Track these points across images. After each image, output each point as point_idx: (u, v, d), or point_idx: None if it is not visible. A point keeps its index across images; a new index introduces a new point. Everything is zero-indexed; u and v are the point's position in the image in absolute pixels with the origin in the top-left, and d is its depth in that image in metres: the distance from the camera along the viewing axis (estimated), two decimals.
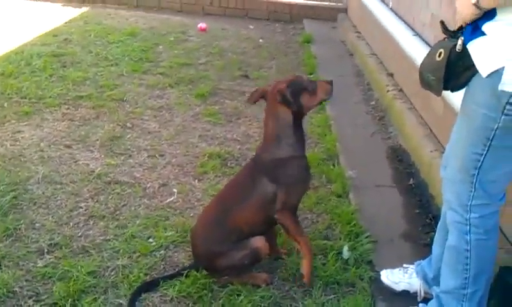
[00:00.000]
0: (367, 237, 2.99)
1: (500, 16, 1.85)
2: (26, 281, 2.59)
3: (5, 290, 2.50)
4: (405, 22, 5.03)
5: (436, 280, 2.43)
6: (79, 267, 2.65)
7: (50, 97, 4.72)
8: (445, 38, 2.12)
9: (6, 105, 4.54)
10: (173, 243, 2.91)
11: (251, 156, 3.92)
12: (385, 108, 4.88)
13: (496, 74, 1.85)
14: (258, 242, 2.56)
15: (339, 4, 8.93)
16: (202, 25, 7.58)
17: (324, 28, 8.14)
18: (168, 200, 3.33)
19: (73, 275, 2.60)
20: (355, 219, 3.15)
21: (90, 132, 4.14)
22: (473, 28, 1.96)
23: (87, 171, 3.58)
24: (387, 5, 5.85)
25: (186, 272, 2.61)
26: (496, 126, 1.92)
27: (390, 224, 3.20)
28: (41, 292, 2.52)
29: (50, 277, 2.61)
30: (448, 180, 2.22)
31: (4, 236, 2.88)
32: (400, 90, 4.83)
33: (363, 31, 7.00)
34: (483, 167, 2.02)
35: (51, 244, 2.86)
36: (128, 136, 4.14)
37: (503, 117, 1.89)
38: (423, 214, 3.31)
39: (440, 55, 2.05)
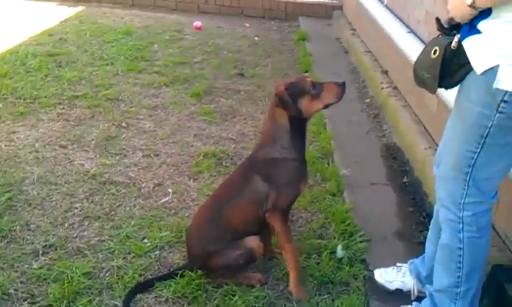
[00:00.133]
0: (360, 236, 3.00)
1: (495, 14, 1.86)
2: (21, 282, 2.59)
3: (0, 292, 2.50)
4: (400, 19, 5.05)
5: (429, 278, 2.44)
6: (74, 268, 2.66)
7: (45, 97, 4.72)
8: (439, 35, 2.12)
9: (1, 105, 4.53)
10: (168, 243, 2.92)
11: (246, 155, 3.93)
12: (380, 105, 4.89)
13: (491, 72, 1.86)
14: (253, 242, 2.56)
15: (334, 1, 8.93)
16: (197, 23, 7.58)
17: (320, 25, 8.14)
18: (163, 200, 3.34)
19: (68, 276, 2.60)
20: (349, 217, 3.16)
21: (85, 132, 4.14)
22: (469, 26, 1.96)
23: (82, 172, 3.58)
24: (382, 2, 5.86)
25: (181, 272, 2.62)
26: (490, 124, 1.93)
27: (383, 222, 3.21)
28: (36, 294, 2.53)
29: (45, 279, 2.61)
30: (441, 177, 2.23)
31: None
32: (395, 87, 4.84)
33: (358, 28, 7.01)
34: (477, 164, 2.03)
35: (46, 245, 2.86)
36: (123, 136, 4.14)
37: (497, 114, 1.90)
38: (417, 212, 3.32)
39: (435, 53, 2.06)
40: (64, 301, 2.45)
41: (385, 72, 5.27)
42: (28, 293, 2.53)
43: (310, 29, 7.80)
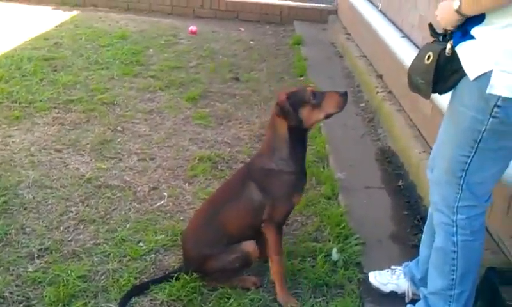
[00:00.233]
0: (355, 239, 3.01)
1: (489, 20, 1.88)
2: (16, 286, 2.59)
3: None
4: (394, 24, 5.07)
5: (423, 281, 2.46)
6: (69, 272, 2.66)
7: (40, 101, 4.72)
8: (433, 41, 2.14)
9: None
10: (163, 247, 2.93)
11: (241, 159, 3.97)
12: (375, 110, 4.91)
13: (485, 77, 1.88)
14: (249, 246, 2.57)
15: (329, 6, 8.96)
16: (193, 27, 7.59)
17: (315, 30, 8.16)
18: (158, 204, 3.34)
19: (63, 279, 2.61)
20: (344, 220, 3.18)
21: (81, 136, 4.14)
22: (462, 31, 1.98)
23: (77, 175, 3.58)
24: (376, 7, 5.88)
25: (176, 275, 2.62)
26: (483, 129, 1.95)
27: (378, 225, 3.23)
28: (31, 297, 2.53)
29: (40, 282, 2.62)
30: (435, 181, 2.25)
31: None
32: (390, 92, 4.87)
33: (353, 33, 7.04)
34: (470, 169, 2.04)
35: (41, 248, 2.86)
36: (118, 140, 4.15)
37: (491, 119, 1.92)
38: (411, 215, 3.34)
39: (428, 59, 2.07)
40: (60, 304, 2.46)
41: (380, 76, 5.30)
42: (23, 296, 2.53)
43: (305, 33, 7.83)
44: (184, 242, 2.74)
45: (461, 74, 1.98)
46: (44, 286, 2.59)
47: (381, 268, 2.73)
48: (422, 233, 2.59)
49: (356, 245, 2.97)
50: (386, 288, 2.65)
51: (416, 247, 2.65)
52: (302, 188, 2.68)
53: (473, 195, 2.10)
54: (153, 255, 2.86)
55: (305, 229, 3.15)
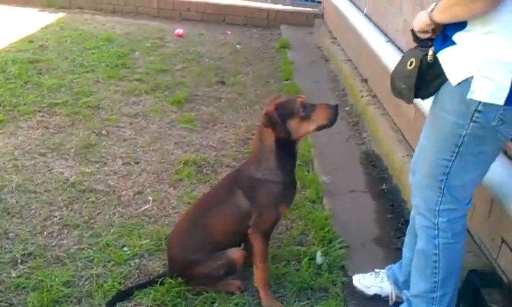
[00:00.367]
0: (340, 242, 3.03)
1: (470, 27, 1.90)
2: (0, 291, 2.58)
3: None
4: (379, 28, 5.11)
5: (406, 284, 2.48)
6: (53, 277, 2.65)
7: (24, 104, 4.68)
8: (415, 47, 2.16)
9: None
10: (147, 251, 2.92)
11: (227, 163, 3.98)
12: (359, 113, 4.95)
13: (466, 83, 1.90)
14: (235, 254, 2.56)
15: (315, 9, 9.00)
16: (179, 30, 7.58)
17: (301, 33, 8.20)
18: (143, 208, 3.34)
19: (47, 285, 2.60)
20: (329, 224, 3.19)
21: (65, 140, 4.12)
22: (444, 37, 2.01)
23: (61, 180, 3.56)
24: (362, 11, 5.92)
25: (161, 280, 2.62)
26: (464, 133, 1.97)
27: (362, 229, 3.25)
28: (15, 303, 2.51)
29: (24, 288, 2.60)
30: (416, 185, 2.27)
31: None
32: (374, 96, 4.90)
33: (339, 37, 7.08)
34: (451, 172, 2.07)
35: (25, 253, 2.84)
36: (103, 144, 4.13)
37: (471, 124, 1.94)
38: (395, 219, 3.37)
39: (411, 64, 2.09)
40: None
41: (365, 80, 5.34)
42: (7, 302, 2.51)
43: (292, 37, 7.86)
44: (168, 246, 2.73)
45: (443, 79, 2.00)
46: (28, 292, 2.57)
47: (365, 272, 2.75)
48: (405, 236, 2.61)
49: (340, 248, 2.98)
50: (370, 291, 2.68)
51: (400, 250, 2.68)
52: (290, 199, 2.64)
53: (454, 198, 2.12)
54: (137, 260, 2.85)
55: (290, 233, 3.16)
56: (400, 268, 2.60)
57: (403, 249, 2.58)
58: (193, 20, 8.67)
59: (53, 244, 2.94)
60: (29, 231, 3.03)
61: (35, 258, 2.81)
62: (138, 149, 4.09)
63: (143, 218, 3.23)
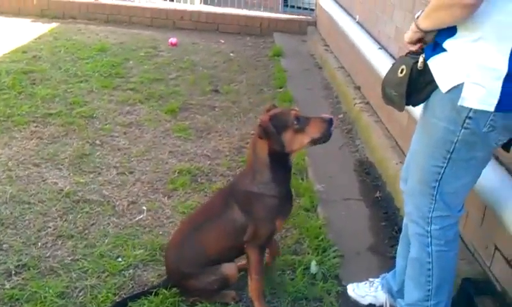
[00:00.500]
0: (334, 251, 3.04)
1: (460, 34, 1.91)
2: None
3: None
4: (371, 36, 5.13)
5: (400, 293, 2.49)
6: (47, 288, 2.64)
7: (18, 115, 4.68)
8: (406, 54, 2.17)
9: None
10: (142, 262, 2.91)
11: (221, 171, 3.97)
12: (353, 121, 4.96)
13: (456, 89, 1.91)
14: (229, 269, 2.55)
15: (308, 17, 9.04)
16: (173, 39, 7.60)
17: (294, 41, 8.23)
18: (137, 218, 3.33)
19: (41, 296, 2.59)
20: (323, 233, 3.20)
21: (59, 150, 4.12)
22: (434, 44, 2.02)
23: (55, 190, 3.56)
24: (354, 19, 5.95)
25: (155, 290, 2.62)
26: (456, 140, 1.98)
27: (357, 237, 3.26)
28: None
29: (17, 299, 2.59)
30: (408, 192, 2.28)
31: None
32: (367, 103, 4.92)
33: (332, 44, 7.11)
34: (443, 179, 2.08)
35: (19, 265, 2.83)
36: (97, 153, 4.13)
37: (463, 130, 1.95)
38: (389, 227, 3.38)
39: (401, 72, 2.10)
40: None
41: (358, 88, 5.36)
42: None
43: (285, 45, 7.88)
44: (165, 256, 2.73)
45: (434, 86, 2.01)
46: (21, 304, 2.56)
47: (360, 280, 2.76)
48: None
49: (334, 257, 2.99)
50: (365, 300, 2.68)
51: (394, 258, 2.68)
52: (286, 212, 2.62)
53: (446, 205, 2.13)
54: (132, 270, 2.85)
55: (284, 242, 3.16)
56: (394, 277, 2.61)
57: (396, 257, 2.58)
58: (187, 29, 8.69)
59: (47, 254, 2.94)
60: (23, 242, 3.02)
61: (29, 269, 2.80)
62: (132, 159, 4.09)
63: (138, 228, 3.23)
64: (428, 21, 1.97)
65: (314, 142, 2.46)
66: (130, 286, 2.75)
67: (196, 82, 6.01)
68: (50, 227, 3.18)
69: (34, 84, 5.49)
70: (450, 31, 1.93)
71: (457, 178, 2.08)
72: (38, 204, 3.39)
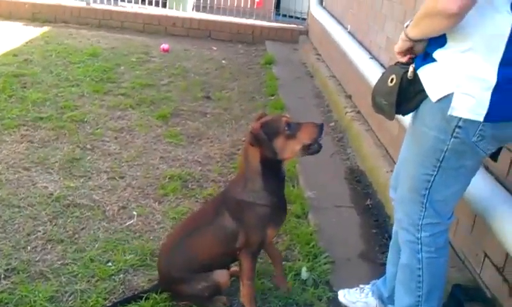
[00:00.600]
0: (325, 258, 3.04)
1: (450, 44, 1.93)
2: None
3: None
4: (362, 45, 5.17)
5: (391, 299, 2.50)
6: (37, 293, 2.62)
7: (9, 118, 4.65)
8: (396, 63, 2.19)
9: None
10: (132, 266, 2.90)
11: (212, 177, 3.97)
12: (344, 129, 4.99)
13: (446, 99, 1.93)
14: (221, 277, 2.53)
15: (300, 26, 9.09)
16: (165, 46, 7.61)
17: (286, 50, 8.27)
18: (128, 223, 3.32)
19: (30, 300, 2.57)
20: (314, 239, 3.20)
21: (49, 154, 4.09)
22: (424, 55, 2.04)
23: (45, 194, 3.53)
24: (345, 28, 6.00)
25: (145, 295, 2.61)
26: (446, 148, 2.00)
27: (347, 244, 3.27)
28: None
29: (6, 304, 2.56)
30: (398, 200, 2.29)
31: None
32: (358, 112, 4.95)
33: (323, 53, 7.15)
34: (433, 187, 2.09)
35: (8, 268, 2.80)
36: (88, 158, 4.11)
37: (452, 139, 1.97)
38: (380, 234, 3.39)
39: (391, 81, 2.11)
40: None
41: (349, 97, 5.39)
42: None
43: (277, 53, 7.92)
44: (158, 260, 2.73)
45: (423, 96, 2.02)
46: None
47: (350, 287, 2.76)
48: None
49: (325, 263, 2.99)
50: (356, 306, 2.68)
51: (385, 265, 2.68)
52: (279, 221, 2.59)
53: (436, 213, 2.14)
54: (122, 275, 2.83)
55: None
56: (385, 283, 2.61)
57: (387, 264, 2.59)
58: (179, 36, 8.71)
59: (37, 259, 2.91)
60: (12, 246, 2.99)
61: (18, 273, 2.77)
62: (123, 164, 4.08)
63: (128, 233, 3.21)
64: (416, 30, 1.99)
65: (306, 149, 2.45)
66: (121, 290, 2.73)
67: (188, 89, 6.02)
68: (39, 231, 3.16)
69: (25, 87, 5.47)
70: (440, 42, 1.95)
71: (447, 186, 2.09)
72: (27, 208, 3.37)
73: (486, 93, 1.86)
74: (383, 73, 2.25)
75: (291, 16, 9.98)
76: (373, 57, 4.72)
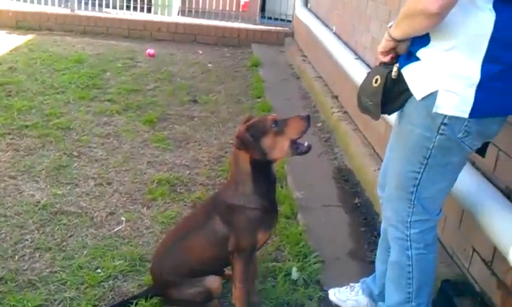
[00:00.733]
0: (315, 257, 3.04)
1: (433, 43, 1.94)
2: None
3: None
4: (348, 46, 5.19)
5: (381, 296, 2.51)
6: (25, 301, 2.59)
7: None
8: (380, 64, 2.20)
9: None
10: (121, 272, 2.88)
11: (200, 181, 3.96)
12: (331, 129, 5.01)
13: (431, 97, 1.94)
14: (213, 283, 2.52)
15: (286, 28, 9.11)
16: (150, 50, 7.59)
17: (272, 52, 8.29)
18: (116, 229, 3.30)
19: None
20: (303, 239, 3.21)
21: (36, 162, 4.06)
22: (408, 54, 2.05)
23: (32, 202, 3.50)
24: (331, 29, 6.02)
25: (135, 301, 2.59)
26: (432, 146, 2.01)
27: (337, 243, 3.27)
28: None
29: None
30: (386, 198, 2.30)
31: None
32: (345, 112, 4.97)
33: (309, 55, 7.17)
34: (421, 184, 2.10)
35: None
36: (74, 165, 4.08)
37: (438, 136, 1.98)
38: (368, 232, 3.40)
39: (376, 82, 2.12)
40: None
41: (335, 97, 5.41)
42: None
43: (263, 55, 7.93)
44: (151, 265, 2.72)
45: (408, 95, 2.04)
46: None
47: (341, 285, 2.77)
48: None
49: (315, 263, 3.00)
50: (346, 305, 2.69)
51: (374, 262, 2.70)
52: (270, 225, 2.54)
53: (424, 209, 2.15)
54: (111, 281, 2.81)
55: (265, 249, 3.14)
56: (375, 281, 2.62)
57: (376, 261, 2.60)
58: (164, 40, 8.70)
59: (25, 267, 2.88)
60: None
61: (6, 283, 2.74)
62: (110, 170, 4.06)
63: (117, 239, 3.19)
64: (398, 30, 2.00)
65: (295, 147, 2.43)
66: (110, 297, 2.71)
67: (174, 93, 6.00)
68: (27, 239, 3.13)
69: (9, 95, 5.42)
70: (424, 41, 1.96)
71: (434, 183, 2.11)
72: (14, 217, 3.33)
73: (469, 90, 1.88)
74: (368, 74, 2.25)
75: (276, 19, 10.01)
76: (359, 57, 4.74)
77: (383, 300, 2.44)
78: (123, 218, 3.42)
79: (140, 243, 3.16)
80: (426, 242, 2.21)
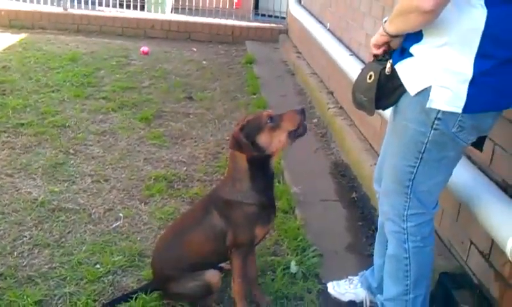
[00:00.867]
0: (313, 251, 3.06)
1: (426, 39, 1.96)
2: None
3: None
4: (342, 42, 5.21)
5: (379, 288, 2.52)
6: (25, 297, 2.60)
7: None
8: (374, 60, 2.22)
9: None
10: (120, 268, 2.89)
11: (197, 177, 3.97)
12: (327, 125, 5.03)
13: (425, 92, 1.95)
14: (212, 277, 2.53)
15: (280, 25, 9.12)
16: (144, 48, 7.58)
17: (266, 49, 8.29)
18: (114, 225, 3.30)
19: (19, 305, 2.54)
20: (301, 233, 3.22)
21: (32, 160, 4.05)
22: (401, 50, 2.07)
23: (30, 200, 3.50)
24: (325, 26, 6.03)
25: (135, 295, 2.60)
26: (426, 140, 2.03)
27: (335, 237, 3.29)
28: None
29: None
30: (383, 192, 2.32)
31: None
32: (341, 107, 4.99)
33: (304, 51, 7.18)
34: (416, 178, 2.12)
35: None
36: (71, 162, 4.08)
37: (432, 131, 2.00)
38: (366, 226, 3.43)
39: (370, 78, 2.13)
40: None
41: (331, 93, 5.43)
42: None
43: (257, 52, 7.94)
44: (152, 259, 2.73)
45: (402, 90, 2.05)
46: None
47: (339, 278, 2.79)
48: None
49: (313, 257, 3.01)
50: (345, 298, 2.71)
51: (372, 256, 2.71)
52: (268, 221, 2.54)
53: (421, 203, 2.17)
54: (111, 277, 2.82)
55: (264, 244, 3.15)
56: (373, 274, 2.64)
57: (374, 255, 2.62)
58: (158, 38, 8.68)
59: (24, 264, 2.89)
60: None
61: (6, 279, 2.75)
62: (107, 167, 4.06)
63: (115, 235, 3.20)
64: (393, 26, 2.02)
65: (292, 136, 2.43)
66: (110, 292, 2.72)
67: (170, 90, 6.00)
68: (25, 236, 3.13)
69: (4, 94, 5.40)
70: (417, 37, 1.98)
71: (430, 177, 2.12)
72: (12, 214, 3.33)
73: (462, 86, 1.90)
74: (362, 70, 2.27)
75: (270, 16, 10.01)
76: (353, 53, 4.75)
77: (381, 293, 2.46)
78: (121, 214, 3.42)
79: (138, 239, 3.17)
80: (423, 235, 2.23)
